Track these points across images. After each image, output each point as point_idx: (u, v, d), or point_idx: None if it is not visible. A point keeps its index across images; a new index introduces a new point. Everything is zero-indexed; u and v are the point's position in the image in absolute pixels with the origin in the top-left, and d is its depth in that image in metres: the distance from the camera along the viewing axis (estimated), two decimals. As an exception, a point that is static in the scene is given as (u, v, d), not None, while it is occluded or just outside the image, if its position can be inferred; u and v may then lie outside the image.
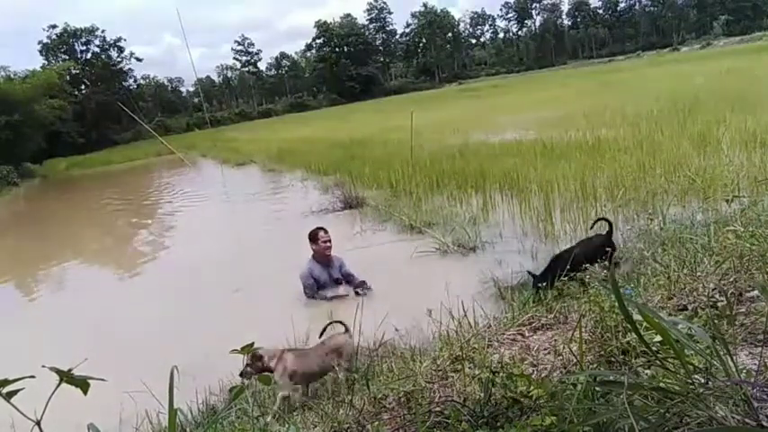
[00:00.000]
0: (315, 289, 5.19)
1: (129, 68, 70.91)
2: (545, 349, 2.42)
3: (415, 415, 1.84)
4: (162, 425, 3.08)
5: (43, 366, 0.98)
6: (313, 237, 5.25)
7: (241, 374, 3.02)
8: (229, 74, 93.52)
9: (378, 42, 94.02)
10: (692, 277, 2.71)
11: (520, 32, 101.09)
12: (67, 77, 52.14)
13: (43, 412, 0.96)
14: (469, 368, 2.10)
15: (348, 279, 5.31)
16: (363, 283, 5.21)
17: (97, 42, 68.29)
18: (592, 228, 4.90)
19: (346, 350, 3.28)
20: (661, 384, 1.36)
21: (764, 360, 1.54)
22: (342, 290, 5.22)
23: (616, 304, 2.23)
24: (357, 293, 5.11)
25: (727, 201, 4.14)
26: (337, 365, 3.18)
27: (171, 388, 1.25)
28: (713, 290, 2.42)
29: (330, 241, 5.25)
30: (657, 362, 1.67)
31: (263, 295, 5.58)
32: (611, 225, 4.49)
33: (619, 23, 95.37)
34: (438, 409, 1.86)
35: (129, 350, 4.62)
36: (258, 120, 66.35)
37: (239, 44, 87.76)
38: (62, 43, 66.59)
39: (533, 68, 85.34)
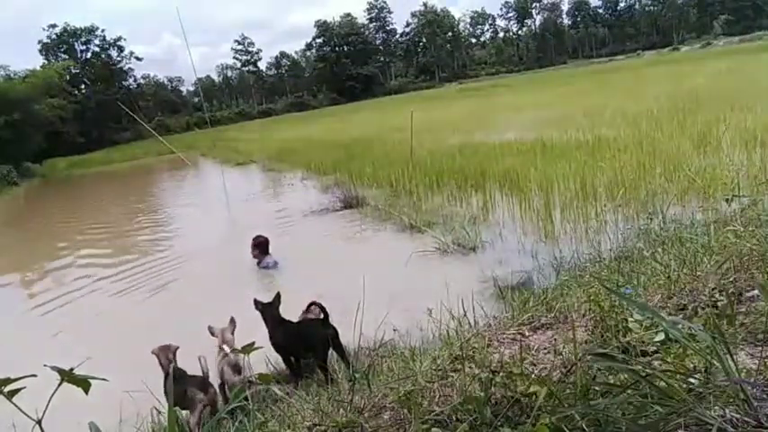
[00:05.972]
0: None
1: (129, 68, 70.94)
2: (545, 349, 2.42)
3: (415, 415, 1.84)
4: (162, 424, 3.08)
5: (45, 365, 0.98)
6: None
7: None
8: (229, 73, 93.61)
9: (378, 42, 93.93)
10: (691, 277, 2.71)
11: (520, 32, 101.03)
12: (67, 77, 52.19)
13: (44, 411, 0.96)
14: (469, 368, 2.10)
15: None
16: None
17: (97, 42, 68.29)
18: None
19: None
20: (661, 384, 1.36)
21: (764, 360, 1.54)
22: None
23: (616, 304, 2.24)
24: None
25: (727, 200, 4.14)
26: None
27: (169, 390, 1.26)
28: (713, 289, 2.42)
29: (253, 249, 6.54)
30: (657, 362, 1.67)
31: (263, 294, 5.57)
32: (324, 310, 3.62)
33: (619, 23, 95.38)
34: (438, 408, 1.86)
35: (130, 350, 4.61)
36: (258, 119, 66.24)
37: (239, 44, 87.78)
38: (62, 43, 66.52)
39: (533, 68, 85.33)
